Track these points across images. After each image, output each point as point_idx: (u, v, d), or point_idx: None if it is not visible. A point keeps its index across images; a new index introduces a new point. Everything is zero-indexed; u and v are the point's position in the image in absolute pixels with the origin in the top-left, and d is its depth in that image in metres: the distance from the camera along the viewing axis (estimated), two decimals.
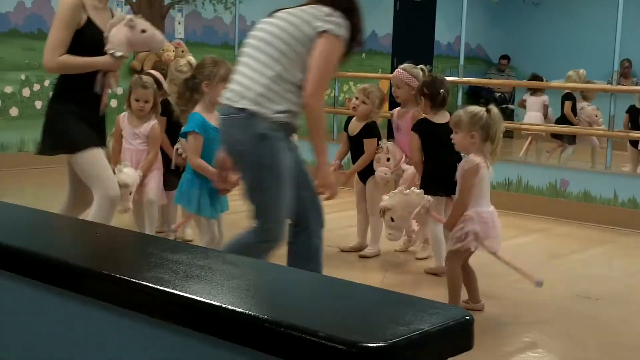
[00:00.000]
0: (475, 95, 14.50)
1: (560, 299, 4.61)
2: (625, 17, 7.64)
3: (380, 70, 13.34)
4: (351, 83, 12.91)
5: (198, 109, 4.52)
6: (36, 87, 9.33)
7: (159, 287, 1.38)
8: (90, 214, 4.23)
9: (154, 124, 5.34)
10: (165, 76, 5.91)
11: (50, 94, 4.42)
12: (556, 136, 9.68)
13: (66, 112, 4.20)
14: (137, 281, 1.41)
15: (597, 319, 4.53)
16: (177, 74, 5.67)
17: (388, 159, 5.49)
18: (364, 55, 13.43)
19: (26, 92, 9.26)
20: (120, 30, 4.23)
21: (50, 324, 1.58)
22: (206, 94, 4.49)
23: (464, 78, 8.99)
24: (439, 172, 4.97)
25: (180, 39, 10.57)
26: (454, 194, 4.42)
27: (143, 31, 4.31)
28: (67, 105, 4.20)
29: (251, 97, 3.48)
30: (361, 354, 1.14)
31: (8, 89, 9.10)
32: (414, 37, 14.14)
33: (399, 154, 5.54)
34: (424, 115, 5.26)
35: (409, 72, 5.62)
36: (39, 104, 9.35)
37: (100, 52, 4.22)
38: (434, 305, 1.33)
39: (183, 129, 4.56)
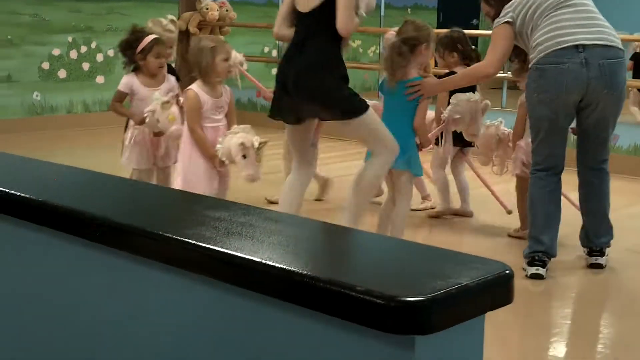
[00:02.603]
0: None
1: (611, 252, 4.56)
2: None
3: None
4: None
5: (415, 73, 4.39)
6: (83, 48, 9.42)
7: (200, 243, 1.40)
8: (371, 170, 4.17)
9: (229, 89, 4.62)
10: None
11: (297, 61, 4.12)
12: None
13: (341, 77, 4.12)
14: (179, 238, 1.43)
15: None
16: (167, 34, 5.12)
17: None
18: (409, 10, 13.29)
19: (73, 54, 9.35)
20: None
21: (95, 281, 1.62)
22: (419, 56, 4.38)
23: None
24: None
25: None
26: (468, 146, 5.41)
27: None
28: (339, 71, 4.12)
29: None
30: (399, 308, 1.15)
31: (56, 52, 9.20)
32: None
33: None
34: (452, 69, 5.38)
35: None
36: (86, 66, 9.44)
37: None
38: (473, 260, 1.32)
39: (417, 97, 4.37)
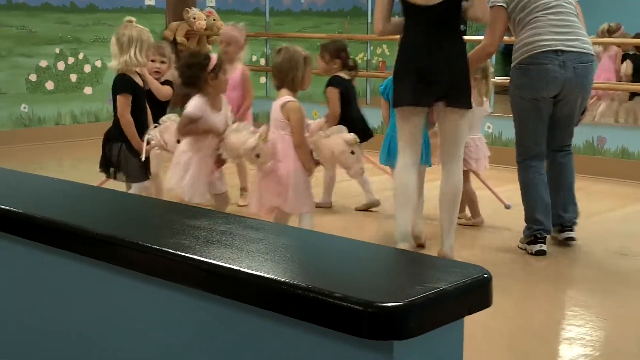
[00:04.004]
0: (510, 54, 14.29)
1: (598, 256, 4.59)
2: None
3: None
4: (384, 46, 12.82)
5: None
6: (71, 60, 9.40)
7: (180, 252, 1.40)
8: (459, 175, 4.48)
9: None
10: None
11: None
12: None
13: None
14: (158, 247, 1.43)
15: (635, 275, 4.50)
16: (150, 36, 4.91)
17: None
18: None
19: (61, 65, 9.34)
20: None
21: (76, 292, 1.61)
22: None
23: None
24: (353, 123, 5.19)
25: (212, 7, 10.57)
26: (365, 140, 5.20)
27: None
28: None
29: None
30: (377, 313, 1.15)
31: (43, 63, 9.18)
32: None
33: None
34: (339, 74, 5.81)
35: (238, 30, 5.88)
36: (74, 77, 9.43)
37: None
38: (452, 264, 1.33)
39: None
